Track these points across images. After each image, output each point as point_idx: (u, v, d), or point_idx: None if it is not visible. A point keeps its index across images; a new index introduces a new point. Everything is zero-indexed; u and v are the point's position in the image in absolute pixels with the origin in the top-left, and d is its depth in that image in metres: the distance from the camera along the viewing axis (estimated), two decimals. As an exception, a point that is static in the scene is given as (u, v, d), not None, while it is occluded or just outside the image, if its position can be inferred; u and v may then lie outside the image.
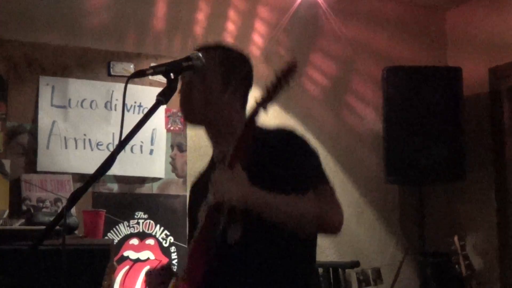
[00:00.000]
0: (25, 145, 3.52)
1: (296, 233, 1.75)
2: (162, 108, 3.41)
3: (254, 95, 1.88)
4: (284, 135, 1.86)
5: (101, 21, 3.78)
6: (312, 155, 1.84)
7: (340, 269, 3.80)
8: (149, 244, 3.71)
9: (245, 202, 1.68)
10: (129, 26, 3.86)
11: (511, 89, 4.35)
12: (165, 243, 3.75)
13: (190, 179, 3.82)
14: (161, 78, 1.75)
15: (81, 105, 3.66)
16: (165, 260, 3.72)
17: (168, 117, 3.84)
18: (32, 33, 3.60)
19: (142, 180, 3.76)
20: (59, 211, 3.33)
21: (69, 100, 3.64)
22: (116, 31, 3.81)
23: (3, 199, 3.34)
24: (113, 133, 3.68)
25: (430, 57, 4.57)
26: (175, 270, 1.97)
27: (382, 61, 4.34)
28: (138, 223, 3.71)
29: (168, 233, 3.76)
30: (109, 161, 1.57)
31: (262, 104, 1.79)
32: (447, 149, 4.06)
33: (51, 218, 2.87)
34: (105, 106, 3.71)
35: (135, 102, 3.74)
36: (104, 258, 2.98)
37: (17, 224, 3.08)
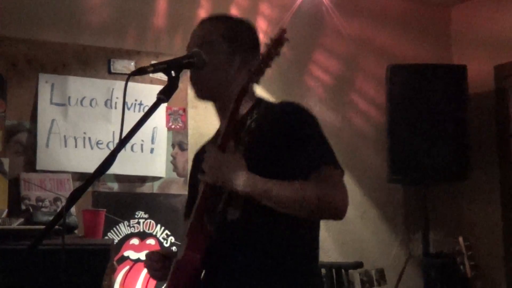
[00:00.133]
0: (24, 143, 3.51)
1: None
2: (163, 106, 3.39)
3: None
4: (290, 108, 1.81)
5: (101, 18, 3.77)
6: (320, 132, 1.79)
7: (343, 270, 3.79)
8: (149, 244, 3.70)
9: (243, 190, 1.66)
10: (129, 23, 3.85)
11: (516, 87, 4.35)
12: (166, 243, 3.74)
13: (192, 178, 3.81)
14: (162, 76, 1.74)
15: (81, 103, 3.65)
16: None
17: (169, 115, 3.82)
18: (31, 30, 3.60)
19: (143, 179, 3.75)
20: (58, 210, 3.32)
21: (69, 98, 3.63)
22: (117, 28, 3.80)
23: (2, 198, 3.33)
24: (113, 132, 3.68)
25: (435, 54, 4.56)
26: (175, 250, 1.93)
27: (386, 59, 4.33)
28: (138, 222, 3.70)
29: (169, 233, 3.75)
30: (109, 160, 1.56)
31: (254, 77, 1.75)
32: (452, 148, 4.06)
33: (51, 218, 2.89)
34: (105, 104, 3.69)
35: (136, 100, 3.73)
36: (104, 258, 2.98)
37: (16, 224, 3.06)
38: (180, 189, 3.79)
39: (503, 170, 4.32)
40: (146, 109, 1.64)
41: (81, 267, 2.83)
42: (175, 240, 3.73)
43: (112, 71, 3.71)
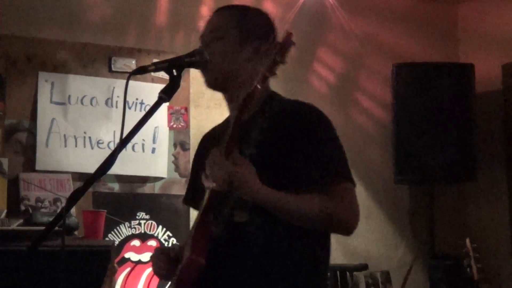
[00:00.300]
0: (23, 143, 3.50)
1: None
2: (164, 105, 3.35)
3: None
4: (306, 112, 1.79)
5: (102, 15, 3.75)
6: (336, 141, 1.77)
7: (348, 272, 3.79)
8: (151, 246, 3.68)
9: (254, 200, 1.65)
10: (130, 21, 3.83)
11: (524, 87, 4.34)
12: (168, 244, 3.72)
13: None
14: (163, 74, 1.75)
15: (81, 102, 3.64)
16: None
17: (170, 114, 3.81)
18: (31, 28, 3.58)
19: (144, 180, 3.74)
20: (58, 211, 3.30)
21: (69, 96, 3.61)
22: (118, 26, 3.79)
23: (1, 199, 3.32)
24: (114, 131, 3.66)
25: (441, 53, 4.55)
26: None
27: (391, 57, 4.32)
28: (139, 223, 3.68)
29: (170, 234, 3.73)
30: (110, 160, 1.56)
31: (259, 83, 1.70)
32: (459, 148, 4.05)
33: (50, 219, 2.88)
34: (106, 103, 3.68)
35: (137, 99, 3.71)
36: (105, 260, 2.96)
37: (15, 225, 3.06)
38: (182, 189, 3.73)
39: (510, 170, 4.30)
40: (148, 108, 1.67)
41: (81, 269, 2.81)
42: (177, 241, 3.71)
43: (113, 69, 3.70)
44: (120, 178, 3.66)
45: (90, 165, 3.46)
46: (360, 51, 4.37)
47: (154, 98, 1.65)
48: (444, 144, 4.01)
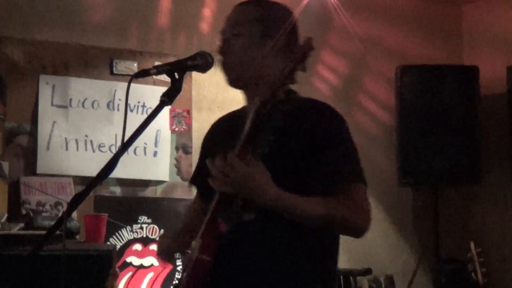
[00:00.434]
0: (24, 146, 3.49)
1: None
2: (166, 108, 3.32)
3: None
4: (323, 111, 1.77)
5: (103, 17, 3.75)
6: (351, 143, 1.77)
7: (351, 277, 3.77)
8: (152, 250, 3.67)
9: (267, 204, 1.65)
10: (132, 23, 3.82)
11: (529, 89, 4.34)
12: (170, 249, 3.68)
13: (196, 182, 3.77)
14: (165, 77, 1.73)
15: (83, 105, 3.63)
16: (169, 267, 3.66)
17: (173, 117, 3.80)
18: (32, 30, 3.57)
19: (146, 183, 3.73)
20: (59, 215, 3.31)
21: (70, 99, 3.60)
22: (119, 28, 3.78)
23: (1, 203, 3.30)
24: (116, 134, 3.65)
25: (446, 55, 4.55)
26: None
27: (395, 59, 4.32)
28: (141, 227, 3.67)
29: (172, 238, 3.69)
30: (112, 164, 1.57)
31: (276, 90, 1.68)
32: (463, 150, 4.05)
33: (51, 222, 2.89)
34: (108, 106, 3.67)
35: (139, 102, 3.70)
36: (106, 264, 2.95)
37: (16, 229, 3.05)
38: (184, 193, 3.76)
39: (516, 173, 4.29)
40: (150, 111, 1.70)
41: (82, 273, 2.80)
42: (179, 245, 3.69)
43: (115, 72, 3.69)
44: (121, 182, 3.65)
45: (92, 169, 3.48)
46: (363, 53, 4.35)
47: (156, 101, 1.64)
48: (449, 146, 4.01)
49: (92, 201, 3.52)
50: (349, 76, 4.35)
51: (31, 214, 3.23)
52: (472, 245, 3.68)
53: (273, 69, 1.77)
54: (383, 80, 4.35)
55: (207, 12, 3.97)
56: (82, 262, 2.86)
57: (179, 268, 3.67)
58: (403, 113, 4.10)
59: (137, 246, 3.63)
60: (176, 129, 3.80)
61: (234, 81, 1.85)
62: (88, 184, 1.58)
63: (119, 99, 3.65)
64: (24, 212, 3.30)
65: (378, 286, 4.04)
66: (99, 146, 3.61)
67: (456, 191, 4.44)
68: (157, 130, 3.72)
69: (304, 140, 1.71)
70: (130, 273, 3.58)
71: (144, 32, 3.83)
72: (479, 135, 4.08)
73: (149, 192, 3.72)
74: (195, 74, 3.73)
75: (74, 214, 3.16)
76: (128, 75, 3.61)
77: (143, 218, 3.66)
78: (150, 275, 3.61)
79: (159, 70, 1.68)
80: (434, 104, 4.05)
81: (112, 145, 3.63)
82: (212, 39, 3.96)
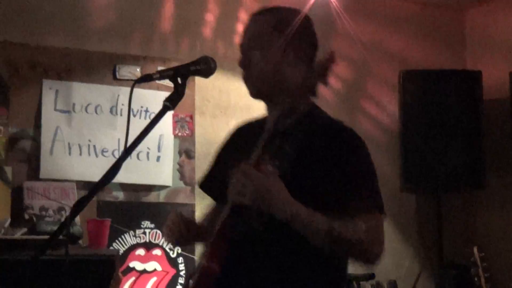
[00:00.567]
0: (27, 151, 3.48)
1: None
2: (169, 113, 3.33)
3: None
4: (344, 135, 1.75)
5: (106, 22, 3.74)
6: (371, 170, 1.75)
7: (354, 282, 3.77)
8: (155, 255, 3.67)
9: (283, 218, 1.62)
10: (135, 28, 3.82)
11: (532, 94, 4.31)
12: (173, 253, 3.71)
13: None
14: (168, 82, 1.72)
15: (86, 110, 3.62)
16: (172, 272, 3.66)
17: (176, 122, 3.79)
18: (35, 35, 3.57)
19: (149, 188, 3.72)
20: (62, 220, 3.30)
21: (73, 104, 3.60)
22: (122, 33, 3.77)
23: (4, 208, 3.30)
24: (119, 139, 3.65)
25: (448, 60, 4.53)
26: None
27: (398, 64, 4.30)
28: (144, 232, 3.66)
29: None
30: (115, 168, 1.56)
31: (298, 105, 1.66)
32: (467, 155, 4.03)
33: (54, 227, 2.89)
34: (111, 111, 3.67)
35: (142, 107, 3.70)
36: (109, 269, 2.95)
37: (19, 234, 3.05)
38: (187, 198, 3.76)
39: (519, 178, 4.28)
40: (153, 115, 1.63)
41: (85, 278, 2.79)
42: (182, 250, 3.69)
43: (118, 77, 3.69)
44: (124, 187, 3.64)
45: (95, 174, 3.46)
46: (366, 58, 4.33)
47: (159, 106, 1.64)
48: (452, 151, 3.99)
49: (95, 206, 3.53)
50: (352, 81, 4.32)
51: (34, 219, 3.24)
52: (475, 250, 3.65)
53: (294, 79, 1.76)
54: (386, 85, 4.33)
55: (210, 17, 3.96)
56: (85, 267, 2.84)
57: (182, 273, 3.68)
58: (406, 118, 4.08)
59: (140, 251, 3.62)
60: (179, 134, 3.79)
61: (257, 94, 1.83)
62: (91, 189, 1.58)
63: (122, 104, 3.65)
64: (27, 217, 3.29)
65: (381, 291, 4.04)
66: (102, 151, 3.60)
67: (459, 196, 4.43)
68: (160, 135, 3.71)
69: (322, 163, 1.69)
70: (133, 278, 3.57)
71: (147, 37, 3.82)
72: (482, 140, 4.06)
73: (152, 197, 3.70)
74: (198, 79, 3.71)
75: (77, 219, 3.17)
76: (131, 80, 3.63)
77: (146, 223, 3.66)
78: (153, 280, 3.60)
79: (162, 75, 1.67)
80: (437, 109, 4.04)
81: (115, 150, 3.62)
82: (215, 44, 3.97)
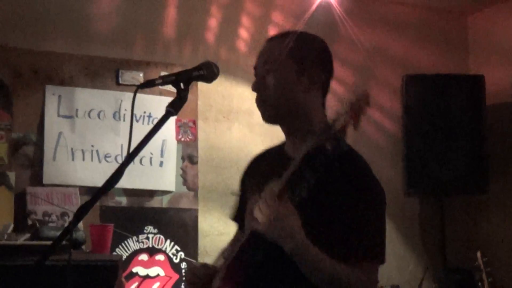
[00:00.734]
0: (30, 156, 3.48)
1: None
2: (172, 118, 3.34)
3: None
4: (356, 176, 1.73)
5: (109, 28, 3.74)
6: (379, 217, 1.74)
7: None
8: (159, 260, 3.66)
9: (290, 252, 1.62)
10: (138, 33, 3.82)
11: (535, 98, 4.30)
12: (176, 258, 3.69)
13: (202, 192, 3.76)
14: (171, 87, 1.72)
15: (89, 115, 3.62)
16: (175, 277, 3.65)
17: (178, 127, 3.79)
18: (38, 41, 3.57)
19: (152, 193, 3.71)
20: (65, 225, 3.31)
21: (76, 110, 3.60)
22: (125, 39, 3.77)
23: (7, 213, 3.30)
24: (122, 145, 3.64)
25: (451, 64, 4.52)
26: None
27: (401, 68, 4.29)
28: (147, 238, 3.65)
29: (178, 248, 3.70)
30: (118, 174, 1.57)
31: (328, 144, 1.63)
32: (470, 160, 4.01)
33: (58, 233, 2.89)
34: (114, 116, 3.66)
35: (145, 112, 3.69)
36: (112, 275, 2.95)
37: (22, 239, 3.04)
38: (190, 203, 3.75)
39: (523, 182, 4.26)
40: (156, 121, 1.66)
41: (88, 284, 2.80)
42: (185, 255, 3.69)
43: (121, 82, 3.69)
44: (127, 192, 3.64)
45: (98, 179, 3.46)
46: (369, 62, 4.33)
47: (162, 111, 1.64)
48: (455, 156, 3.98)
49: (98, 211, 3.52)
50: (355, 86, 4.31)
51: (37, 225, 3.23)
52: (478, 254, 3.65)
53: (310, 104, 1.76)
54: (389, 90, 4.32)
55: (212, 22, 3.95)
56: (88, 272, 2.85)
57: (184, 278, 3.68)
58: (409, 123, 4.07)
59: (143, 256, 3.62)
60: (182, 139, 3.78)
61: (269, 118, 1.82)
62: (94, 194, 1.58)
63: (125, 109, 3.64)
64: (30, 222, 3.28)
65: (385, 296, 4.00)
66: (105, 156, 3.60)
67: (463, 201, 4.41)
68: (163, 140, 3.71)
69: (335, 199, 1.68)
70: (136, 283, 3.56)
71: (150, 43, 3.82)
72: (485, 144, 4.05)
73: (155, 202, 3.69)
74: (201, 84, 3.72)
75: (80, 225, 3.14)
76: (134, 85, 3.62)
77: (149, 228, 3.65)
78: (156, 285, 3.59)
79: (164, 80, 1.67)
80: (440, 114, 4.02)
81: (118, 155, 3.62)
82: (217, 49, 3.98)
